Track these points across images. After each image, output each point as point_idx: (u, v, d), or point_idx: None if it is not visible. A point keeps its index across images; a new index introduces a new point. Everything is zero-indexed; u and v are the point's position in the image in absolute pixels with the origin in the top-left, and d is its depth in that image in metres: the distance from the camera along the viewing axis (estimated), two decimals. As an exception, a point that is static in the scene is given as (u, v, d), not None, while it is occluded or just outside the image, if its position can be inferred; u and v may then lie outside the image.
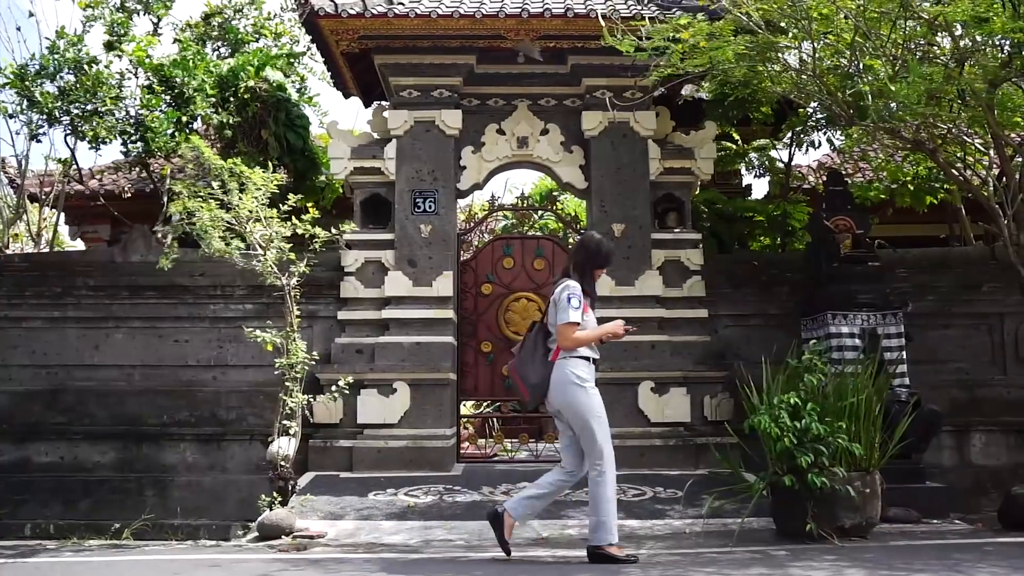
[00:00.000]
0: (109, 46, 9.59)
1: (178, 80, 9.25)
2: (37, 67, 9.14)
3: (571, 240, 10.76)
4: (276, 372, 6.90)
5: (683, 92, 8.00)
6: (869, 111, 6.55)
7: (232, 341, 8.56)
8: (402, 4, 8.47)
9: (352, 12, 8.31)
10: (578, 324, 4.94)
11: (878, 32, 6.39)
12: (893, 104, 6.42)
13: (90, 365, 8.74)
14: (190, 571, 5.19)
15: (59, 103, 9.12)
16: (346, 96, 10.33)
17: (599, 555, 4.93)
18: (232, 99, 9.44)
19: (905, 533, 6.09)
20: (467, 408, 11.42)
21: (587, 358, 5.03)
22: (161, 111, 9.25)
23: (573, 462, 5.10)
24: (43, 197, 11.89)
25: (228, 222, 6.96)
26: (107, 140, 9.31)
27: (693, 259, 8.80)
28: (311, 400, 7.23)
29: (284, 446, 6.70)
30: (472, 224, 10.64)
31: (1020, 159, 7.23)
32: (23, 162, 10.70)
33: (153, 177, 10.59)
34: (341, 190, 10.34)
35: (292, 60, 10.34)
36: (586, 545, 5.04)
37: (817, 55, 6.65)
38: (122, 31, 9.60)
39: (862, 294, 7.71)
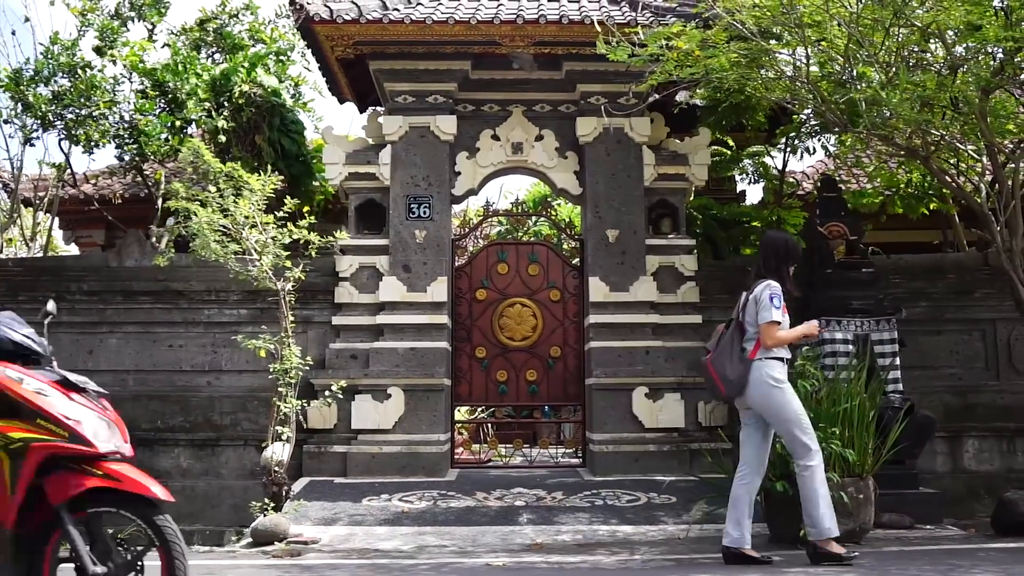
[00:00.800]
0: (98, 51, 9.59)
1: (171, 84, 9.25)
2: (32, 71, 9.14)
3: (565, 246, 10.77)
4: (270, 377, 6.89)
5: (678, 99, 8.00)
6: (862, 118, 6.57)
7: (226, 346, 8.53)
8: (397, 10, 8.47)
9: (347, 18, 8.31)
10: (779, 323, 5.06)
11: (871, 39, 6.42)
12: (886, 111, 6.44)
13: (84, 370, 8.52)
14: (183, 577, 5.16)
15: (53, 107, 9.11)
16: (341, 102, 10.32)
17: (821, 554, 4.91)
18: (226, 104, 9.43)
19: (899, 539, 6.11)
20: (461, 413, 11.39)
21: (782, 358, 5.12)
22: (155, 116, 9.24)
23: (747, 455, 5.15)
24: (37, 201, 11.89)
25: (224, 227, 6.95)
26: (101, 144, 9.29)
27: (687, 265, 8.82)
28: (305, 405, 7.22)
29: (278, 451, 6.69)
30: (467, 230, 10.65)
31: (1012, 166, 7.25)
32: (17, 166, 10.69)
33: (147, 181, 10.57)
34: (334, 192, 10.30)
35: (282, 58, 10.31)
36: (807, 544, 5.01)
37: (810, 62, 6.67)
38: (112, 37, 9.59)
39: (855, 300, 7.72)
